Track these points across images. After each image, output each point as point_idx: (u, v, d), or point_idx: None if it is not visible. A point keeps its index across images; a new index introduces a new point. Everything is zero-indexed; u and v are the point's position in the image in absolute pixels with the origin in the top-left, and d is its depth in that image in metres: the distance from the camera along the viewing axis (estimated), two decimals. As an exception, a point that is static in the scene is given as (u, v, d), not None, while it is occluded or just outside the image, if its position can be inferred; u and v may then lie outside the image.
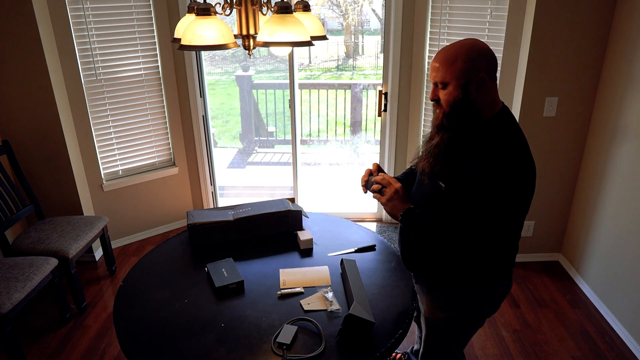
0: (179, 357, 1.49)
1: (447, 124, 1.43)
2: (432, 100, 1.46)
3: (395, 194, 1.51)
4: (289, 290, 1.78)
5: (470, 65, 1.35)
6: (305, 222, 2.28)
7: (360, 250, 2.01)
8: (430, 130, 1.53)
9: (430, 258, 1.57)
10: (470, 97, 1.38)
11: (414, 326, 2.44)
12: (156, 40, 3.24)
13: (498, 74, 2.87)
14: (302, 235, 2.06)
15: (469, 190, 1.37)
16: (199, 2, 1.56)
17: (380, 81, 3.51)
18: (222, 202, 4.15)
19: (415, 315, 2.07)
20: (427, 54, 3.20)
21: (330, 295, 1.73)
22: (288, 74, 3.46)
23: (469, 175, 1.36)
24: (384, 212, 3.84)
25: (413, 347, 2.27)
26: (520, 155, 1.37)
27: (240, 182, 5.23)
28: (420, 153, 1.55)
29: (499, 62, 2.84)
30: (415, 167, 1.63)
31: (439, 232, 1.44)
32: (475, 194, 1.35)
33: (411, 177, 1.74)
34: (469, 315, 1.64)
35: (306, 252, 2.03)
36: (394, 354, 2.29)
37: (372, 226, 3.82)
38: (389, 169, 3.62)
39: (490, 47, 1.41)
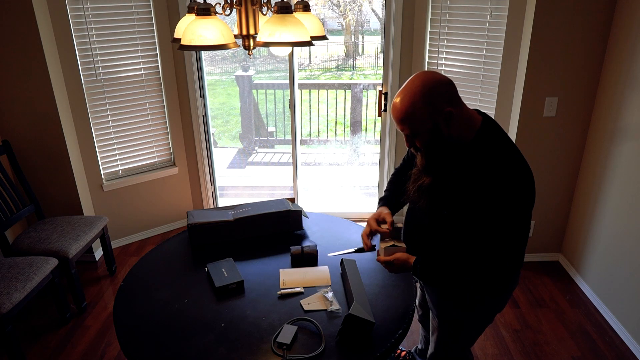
0: (179, 357, 1.49)
1: (432, 166, 1.40)
2: (409, 148, 1.42)
3: (400, 267, 1.58)
4: (289, 290, 1.78)
5: (430, 108, 1.28)
6: (305, 222, 2.28)
7: (360, 250, 2.00)
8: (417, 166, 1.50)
9: (449, 282, 1.58)
10: (445, 135, 1.33)
11: (415, 326, 2.45)
12: (156, 40, 3.24)
13: (497, 74, 2.87)
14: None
15: (476, 212, 1.35)
16: (199, 2, 1.56)
17: (380, 81, 3.51)
18: (222, 202, 4.15)
19: (420, 315, 2.08)
20: (427, 54, 3.20)
21: (330, 295, 1.73)
22: (288, 74, 3.45)
23: (472, 198, 1.35)
24: (384, 212, 3.84)
25: (417, 347, 2.27)
26: (515, 167, 1.34)
27: (240, 182, 5.23)
28: (410, 190, 1.50)
29: (499, 62, 2.84)
30: (413, 205, 1.60)
31: (451, 268, 1.47)
32: (483, 215, 1.34)
33: (397, 191, 1.73)
34: (482, 314, 1.66)
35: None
36: (398, 351, 2.30)
37: (372, 226, 3.81)
38: (388, 169, 3.62)
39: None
